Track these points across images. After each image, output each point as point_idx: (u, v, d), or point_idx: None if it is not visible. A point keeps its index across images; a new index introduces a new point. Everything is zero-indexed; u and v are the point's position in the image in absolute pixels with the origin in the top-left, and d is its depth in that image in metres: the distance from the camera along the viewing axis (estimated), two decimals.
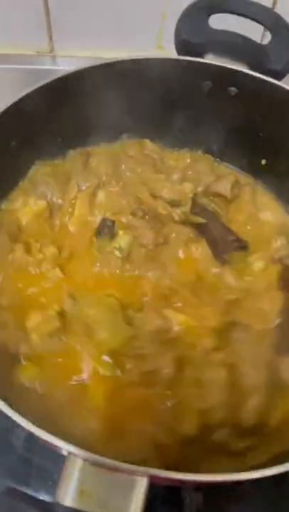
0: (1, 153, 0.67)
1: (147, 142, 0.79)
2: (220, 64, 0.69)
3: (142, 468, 0.41)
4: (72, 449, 0.41)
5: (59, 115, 0.71)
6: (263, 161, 0.78)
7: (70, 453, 0.42)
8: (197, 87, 0.72)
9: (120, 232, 0.68)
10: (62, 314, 0.61)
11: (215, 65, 0.70)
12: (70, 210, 0.71)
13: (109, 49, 0.98)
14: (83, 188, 0.73)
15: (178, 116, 0.77)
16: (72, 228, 0.70)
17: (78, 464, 0.42)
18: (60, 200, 0.72)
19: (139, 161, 0.77)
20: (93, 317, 0.61)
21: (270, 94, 0.69)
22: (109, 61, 0.70)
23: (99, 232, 0.69)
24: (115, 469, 0.41)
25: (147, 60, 0.71)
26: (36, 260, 0.66)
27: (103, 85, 0.71)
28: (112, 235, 0.68)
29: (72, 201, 0.71)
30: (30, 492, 0.58)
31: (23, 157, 0.72)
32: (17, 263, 0.65)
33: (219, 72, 0.70)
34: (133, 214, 0.70)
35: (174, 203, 0.73)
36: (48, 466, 0.64)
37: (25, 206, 0.70)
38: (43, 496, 0.61)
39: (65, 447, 0.41)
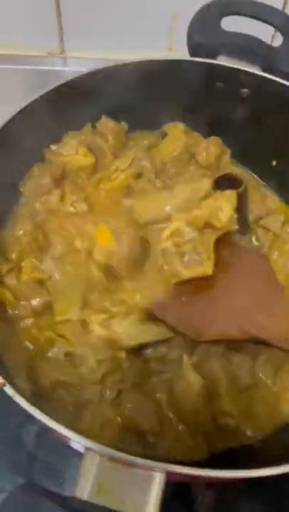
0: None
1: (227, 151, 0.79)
2: (232, 66, 0.70)
3: (159, 464, 0.41)
4: (90, 444, 0.42)
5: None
6: (274, 162, 0.78)
7: (87, 448, 0.42)
8: (209, 88, 0.73)
9: None
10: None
11: (227, 67, 0.70)
12: (113, 176, 0.71)
13: (120, 50, 0.99)
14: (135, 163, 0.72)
15: (189, 117, 0.78)
16: (104, 193, 0.71)
17: (96, 459, 0.42)
18: (109, 163, 0.72)
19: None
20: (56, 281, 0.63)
21: (282, 96, 0.69)
22: (120, 62, 0.71)
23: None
24: (133, 465, 0.42)
25: (159, 61, 0.72)
26: (66, 211, 0.67)
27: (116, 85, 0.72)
28: None
29: (120, 171, 0.72)
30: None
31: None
32: (48, 206, 0.67)
33: (231, 73, 0.70)
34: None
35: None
36: (58, 464, 0.65)
37: (76, 154, 0.70)
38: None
39: (83, 443, 0.42)
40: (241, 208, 0.67)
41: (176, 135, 0.75)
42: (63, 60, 1.03)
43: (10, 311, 0.62)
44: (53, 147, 0.71)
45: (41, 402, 0.54)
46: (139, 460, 0.41)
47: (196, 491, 0.60)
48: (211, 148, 0.75)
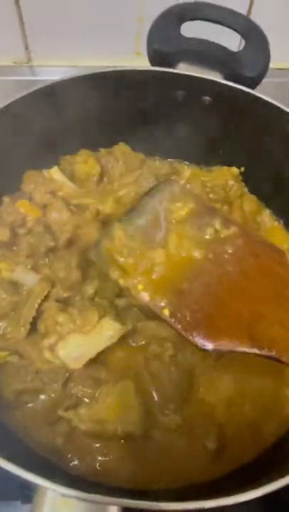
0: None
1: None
2: (191, 74, 0.68)
3: (112, 499, 0.40)
4: (40, 481, 0.40)
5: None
6: (242, 169, 0.76)
7: (38, 485, 0.41)
8: (171, 96, 0.71)
9: None
10: None
11: (186, 75, 0.68)
12: (116, 187, 0.73)
13: (87, 57, 0.97)
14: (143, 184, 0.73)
15: (153, 127, 0.76)
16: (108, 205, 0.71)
17: (48, 495, 0.41)
18: (117, 175, 0.75)
19: None
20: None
21: (244, 103, 0.68)
22: (81, 74, 0.69)
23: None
24: (86, 500, 0.40)
25: (119, 71, 0.70)
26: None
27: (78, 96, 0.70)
28: None
29: (124, 184, 0.73)
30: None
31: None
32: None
33: (191, 81, 0.69)
34: None
35: None
36: None
37: (85, 164, 0.74)
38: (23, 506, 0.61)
39: (34, 480, 0.41)
40: None
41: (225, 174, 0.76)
42: (31, 69, 1.01)
43: None
44: (67, 156, 0.76)
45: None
46: (92, 496, 0.40)
47: None
48: (245, 206, 0.75)
